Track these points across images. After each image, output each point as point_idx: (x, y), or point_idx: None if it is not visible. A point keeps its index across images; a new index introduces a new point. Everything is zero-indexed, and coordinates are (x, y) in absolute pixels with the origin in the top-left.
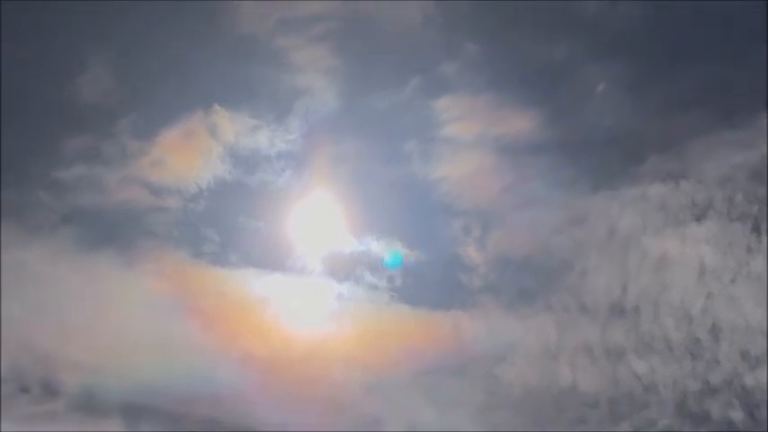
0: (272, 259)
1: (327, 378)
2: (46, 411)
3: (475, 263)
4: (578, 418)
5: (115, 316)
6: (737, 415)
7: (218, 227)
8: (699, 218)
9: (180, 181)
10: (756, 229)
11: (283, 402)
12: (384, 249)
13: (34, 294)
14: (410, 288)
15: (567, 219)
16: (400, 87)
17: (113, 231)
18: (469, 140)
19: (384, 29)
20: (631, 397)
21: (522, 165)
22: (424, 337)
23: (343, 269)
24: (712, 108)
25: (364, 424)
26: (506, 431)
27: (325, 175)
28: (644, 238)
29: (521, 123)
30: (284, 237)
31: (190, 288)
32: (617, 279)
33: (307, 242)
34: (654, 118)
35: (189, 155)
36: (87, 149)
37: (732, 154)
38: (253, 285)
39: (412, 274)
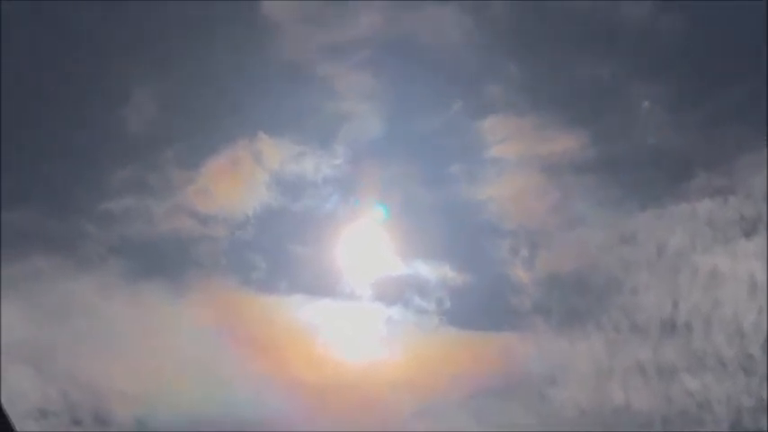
0: (320, 285)
1: (377, 403)
2: None
3: (523, 283)
4: None
5: (164, 345)
6: None
7: (266, 254)
8: (748, 233)
9: (226, 209)
10: None
11: (334, 427)
12: (432, 272)
13: (84, 325)
14: (459, 311)
15: (616, 237)
16: (444, 110)
17: (161, 261)
18: (515, 161)
19: (426, 52)
20: (685, 415)
21: (569, 184)
22: (474, 359)
23: (391, 293)
24: (758, 122)
25: None
26: None
27: (371, 200)
28: (693, 255)
29: (566, 143)
30: (332, 262)
31: (239, 316)
32: (667, 297)
33: (355, 267)
34: (700, 134)
35: (235, 183)
36: (134, 180)
37: None
38: (301, 311)
39: (460, 296)
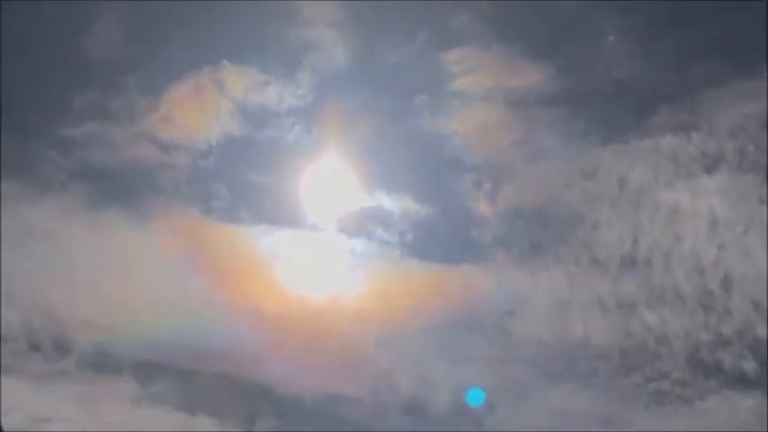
0: (283, 216)
1: (339, 334)
2: (57, 370)
3: (485, 217)
4: (590, 370)
5: (125, 273)
6: (750, 366)
7: (229, 183)
8: (710, 169)
9: (189, 137)
10: None
11: (295, 358)
12: (395, 205)
13: (44, 252)
14: (421, 243)
15: (578, 171)
16: (410, 41)
17: (123, 188)
18: (480, 94)
19: None
20: (643, 349)
21: (533, 118)
22: (436, 291)
23: (354, 225)
24: (723, 58)
25: (376, 379)
26: (518, 385)
27: (335, 131)
28: (655, 191)
29: (531, 76)
30: (295, 193)
31: (200, 245)
32: (628, 231)
33: (317, 198)
34: (665, 69)
35: (198, 111)
36: (95, 106)
37: (743, 104)
38: (264, 242)
39: (423, 228)
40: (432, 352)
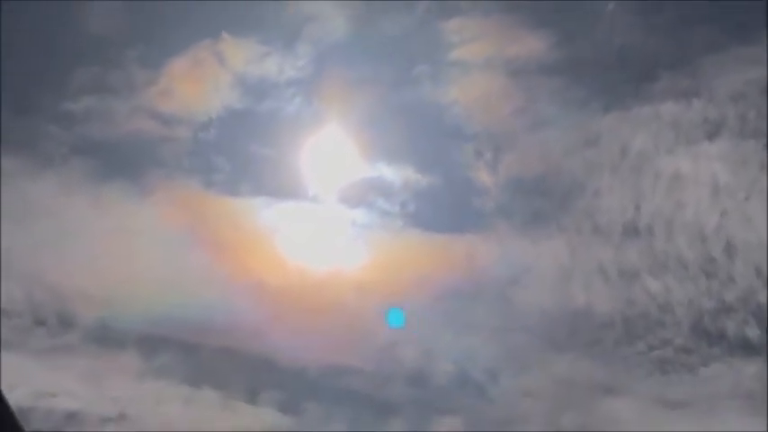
0: (283, 187)
1: (342, 305)
2: (62, 344)
3: (487, 186)
4: (593, 339)
5: (127, 247)
6: (753, 332)
7: (229, 156)
8: (711, 136)
9: (189, 110)
10: None
11: (298, 330)
12: (396, 175)
13: (46, 227)
14: (423, 213)
15: (579, 140)
16: (409, 11)
17: (124, 162)
18: (480, 63)
19: None
20: (646, 317)
21: (533, 86)
22: (438, 261)
23: (355, 196)
24: (724, 24)
25: (379, 350)
26: (521, 353)
27: (335, 102)
28: (656, 158)
29: (531, 44)
30: (295, 165)
31: (201, 218)
32: (630, 199)
33: (318, 169)
34: (665, 36)
35: (198, 84)
36: (96, 80)
37: (744, 70)
38: (265, 214)
39: (424, 198)
40: (435, 322)
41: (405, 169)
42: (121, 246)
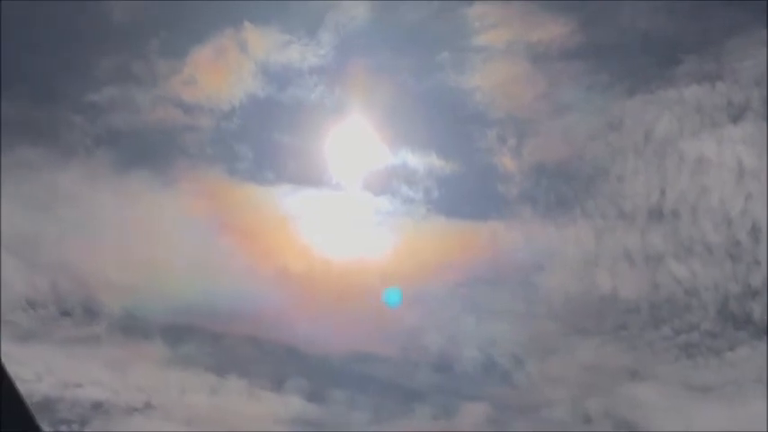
0: (307, 175)
1: (366, 292)
2: (87, 334)
3: (510, 172)
4: (619, 324)
5: (151, 236)
6: None
7: (252, 144)
8: (735, 119)
9: (212, 99)
10: None
11: (323, 318)
12: (420, 162)
13: (71, 217)
14: (446, 199)
15: (603, 124)
16: None
17: (148, 151)
18: (502, 48)
19: None
20: (672, 301)
21: (556, 71)
22: (462, 247)
23: (379, 183)
24: (747, 6)
25: (404, 337)
26: (546, 339)
27: (358, 89)
28: (681, 141)
29: (554, 29)
30: (319, 152)
31: (225, 206)
32: (655, 183)
33: (341, 157)
34: (688, 19)
35: (221, 73)
36: (119, 70)
37: None
38: (288, 201)
39: (448, 185)
40: (459, 309)
41: (428, 156)
42: (146, 235)
